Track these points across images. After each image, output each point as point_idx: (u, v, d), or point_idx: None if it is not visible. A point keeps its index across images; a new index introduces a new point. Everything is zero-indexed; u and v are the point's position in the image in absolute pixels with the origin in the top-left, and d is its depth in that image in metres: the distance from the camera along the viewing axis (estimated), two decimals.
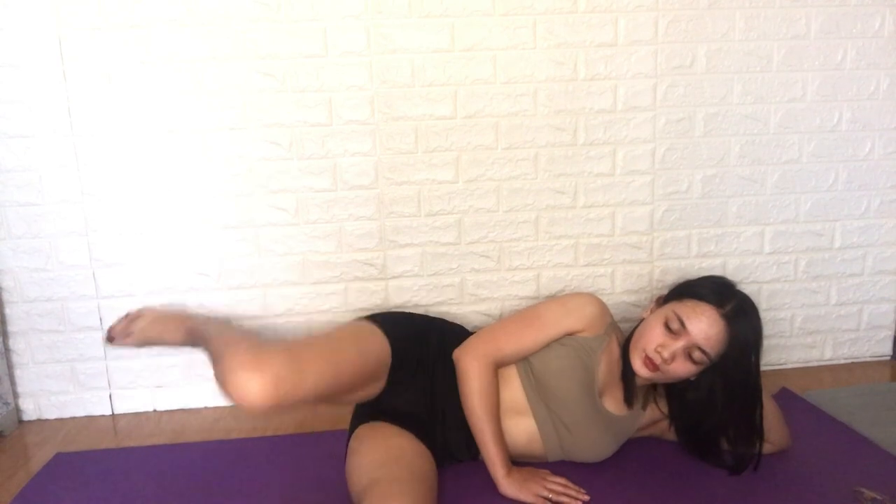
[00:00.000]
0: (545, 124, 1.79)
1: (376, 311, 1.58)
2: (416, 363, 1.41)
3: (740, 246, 1.93)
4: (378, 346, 1.37)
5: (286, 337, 1.36)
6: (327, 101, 1.72)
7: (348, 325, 1.46)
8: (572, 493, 1.32)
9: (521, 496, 1.31)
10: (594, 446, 1.41)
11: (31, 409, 1.81)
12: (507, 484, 1.31)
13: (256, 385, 1.10)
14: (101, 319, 1.77)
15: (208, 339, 1.30)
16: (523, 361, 1.43)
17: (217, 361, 1.19)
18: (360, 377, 1.32)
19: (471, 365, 1.37)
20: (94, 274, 1.75)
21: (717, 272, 1.88)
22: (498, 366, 1.41)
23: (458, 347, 1.42)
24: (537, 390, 1.41)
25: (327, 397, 1.27)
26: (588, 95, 1.78)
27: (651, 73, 1.79)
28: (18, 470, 1.55)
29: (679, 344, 1.29)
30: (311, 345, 1.27)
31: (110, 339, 1.48)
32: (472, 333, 1.53)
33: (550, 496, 1.30)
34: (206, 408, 1.85)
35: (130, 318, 1.48)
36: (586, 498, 1.32)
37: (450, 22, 1.71)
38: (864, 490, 1.32)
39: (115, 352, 1.79)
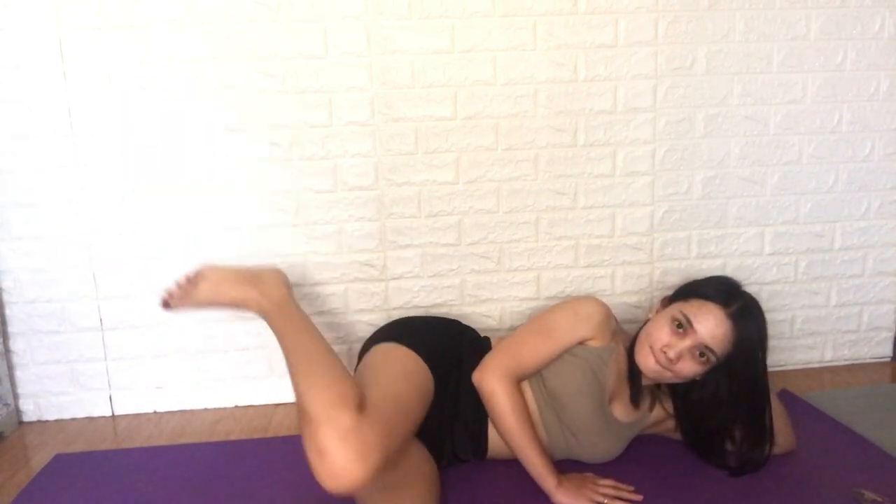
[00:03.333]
0: (545, 125, 1.79)
1: (401, 324, 1.58)
2: (433, 373, 1.40)
3: (740, 247, 1.93)
4: (428, 382, 1.35)
5: (364, 380, 1.25)
6: (327, 102, 1.72)
7: (402, 363, 1.36)
8: (625, 494, 1.32)
9: None
10: (601, 453, 1.42)
11: (32, 410, 1.80)
12: (560, 494, 1.30)
13: (350, 474, 1.04)
14: (101, 320, 1.77)
15: (289, 360, 1.25)
16: (536, 376, 1.42)
17: (304, 422, 1.10)
18: (420, 419, 1.30)
19: (497, 386, 1.35)
20: (94, 274, 1.75)
21: (717, 273, 1.87)
22: (520, 381, 1.40)
23: (478, 370, 1.39)
24: (549, 404, 1.41)
25: None
26: (588, 96, 1.78)
27: (651, 74, 1.79)
28: (18, 471, 1.55)
29: (686, 343, 1.29)
30: (394, 410, 1.19)
31: (166, 304, 1.41)
32: (486, 339, 1.55)
33: (605, 501, 1.30)
34: (206, 409, 1.85)
35: (191, 281, 1.41)
36: (639, 497, 1.32)
37: (450, 23, 1.71)
38: (864, 492, 1.32)
39: (116, 352, 1.79)
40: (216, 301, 1.40)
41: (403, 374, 1.32)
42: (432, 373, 1.37)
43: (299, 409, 1.14)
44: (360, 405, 1.11)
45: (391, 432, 1.13)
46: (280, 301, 1.38)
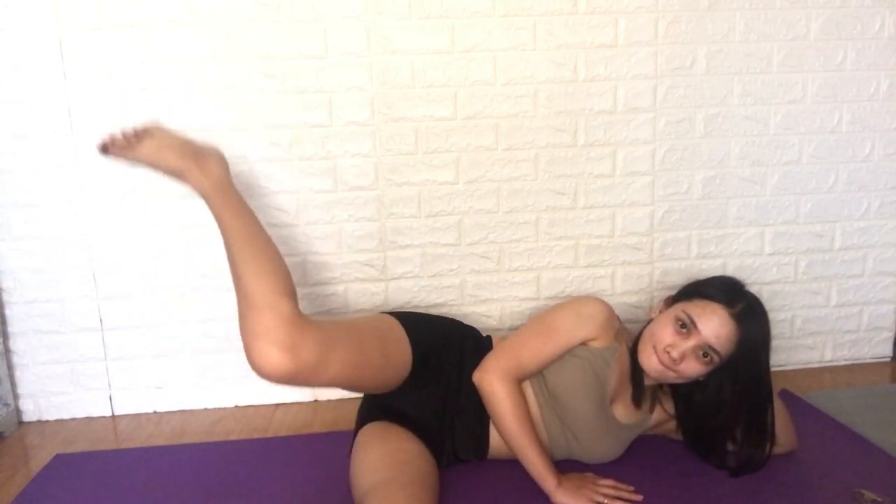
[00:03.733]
0: (545, 125, 1.79)
1: (399, 311, 1.58)
2: (433, 371, 1.40)
3: (740, 247, 1.93)
4: (401, 352, 1.36)
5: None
6: (327, 102, 1.72)
7: (378, 321, 1.40)
8: (624, 494, 1.32)
9: None
10: (601, 453, 1.42)
11: (31, 409, 1.80)
12: (560, 494, 1.29)
13: (278, 361, 1.11)
14: (101, 320, 1.77)
15: (232, 246, 1.26)
16: (538, 376, 1.42)
17: (245, 307, 1.16)
18: (377, 379, 1.32)
19: (497, 386, 1.35)
20: (94, 274, 1.75)
21: (717, 273, 1.87)
22: (521, 381, 1.40)
23: (478, 369, 1.39)
24: (550, 404, 1.41)
25: (338, 386, 1.28)
26: (588, 96, 1.78)
27: (651, 74, 1.79)
28: (18, 471, 1.55)
29: (689, 343, 1.29)
30: (342, 334, 1.24)
31: (104, 148, 1.35)
32: (487, 338, 1.54)
33: (605, 501, 1.29)
34: (206, 409, 1.85)
35: (138, 135, 1.35)
36: (639, 497, 1.32)
37: (450, 23, 1.71)
38: (864, 492, 1.32)
39: (116, 352, 1.79)
40: (156, 164, 1.36)
41: (373, 329, 1.34)
42: (415, 358, 1.37)
43: (240, 292, 1.18)
44: (296, 302, 1.17)
45: (329, 344, 1.17)
46: (221, 182, 1.36)
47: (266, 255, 1.25)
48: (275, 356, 1.11)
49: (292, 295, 1.19)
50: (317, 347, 1.15)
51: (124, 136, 1.35)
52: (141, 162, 1.36)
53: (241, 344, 1.78)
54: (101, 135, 1.34)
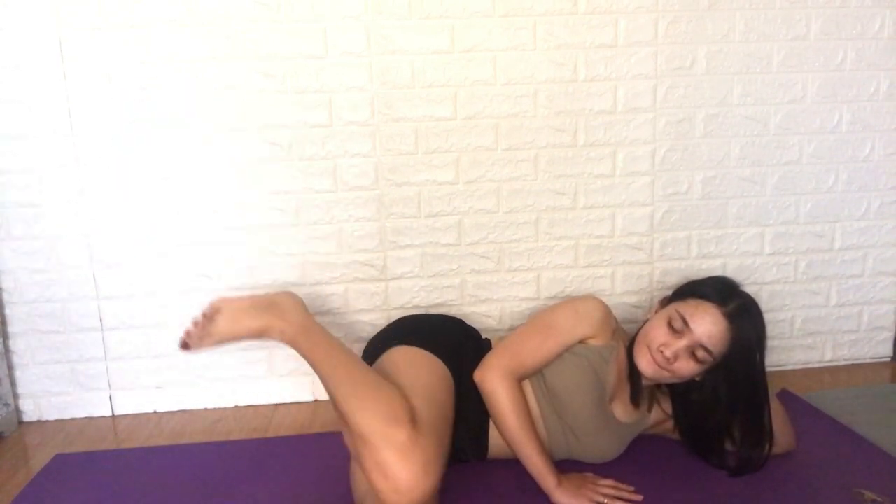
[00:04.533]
0: (545, 125, 1.79)
1: (410, 320, 1.60)
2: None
3: (740, 247, 1.93)
4: (453, 389, 1.38)
5: (400, 382, 1.26)
6: (327, 102, 1.72)
7: (437, 371, 1.37)
8: (625, 494, 1.32)
9: None
10: (601, 452, 1.43)
11: (32, 410, 1.80)
12: (560, 494, 1.30)
13: (418, 487, 1.08)
14: (101, 320, 1.77)
15: (328, 384, 1.24)
16: (537, 374, 1.43)
17: (361, 445, 1.13)
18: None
19: (498, 385, 1.35)
20: (94, 274, 1.75)
21: (717, 273, 1.87)
22: (521, 380, 1.40)
23: (479, 368, 1.39)
24: (550, 402, 1.41)
25: None
26: (588, 96, 1.78)
27: (651, 74, 1.79)
28: (18, 471, 1.55)
29: (682, 343, 1.29)
30: (440, 419, 1.23)
31: (185, 345, 1.30)
32: (486, 341, 1.55)
33: (605, 501, 1.30)
34: (206, 409, 1.85)
35: (208, 317, 1.31)
36: (639, 498, 1.32)
37: (450, 23, 1.71)
38: (864, 492, 1.32)
39: (116, 352, 1.79)
40: (236, 334, 1.32)
41: (437, 381, 1.33)
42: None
43: (352, 431, 1.16)
44: (413, 419, 1.14)
45: (443, 441, 1.17)
46: (302, 324, 1.33)
47: (366, 384, 1.21)
48: (411, 488, 1.08)
49: (403, 415, 1.14)
50: (438, 455, 1.14)
51: (196, 325, 1.31)
52: (224, 340, 1.32)
53: (241, 344, 1.80)
54: (179, 337, 1.30)
